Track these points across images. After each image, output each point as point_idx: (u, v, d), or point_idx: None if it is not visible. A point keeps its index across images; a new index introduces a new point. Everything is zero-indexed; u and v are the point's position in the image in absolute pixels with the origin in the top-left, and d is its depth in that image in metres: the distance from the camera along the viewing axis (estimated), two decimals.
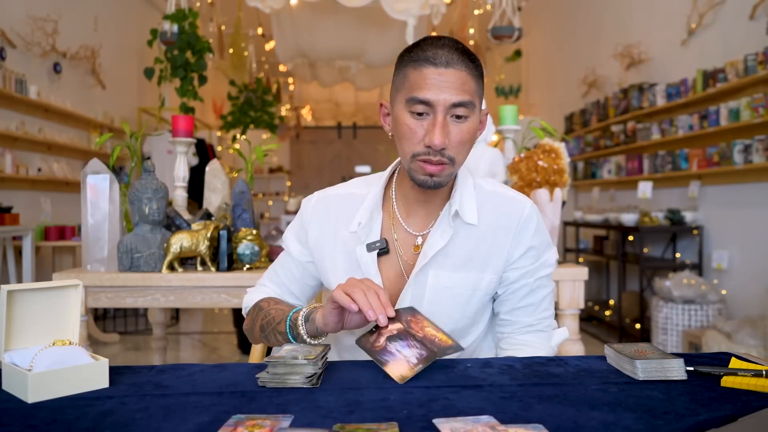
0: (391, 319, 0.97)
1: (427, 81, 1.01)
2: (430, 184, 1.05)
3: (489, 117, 2.28)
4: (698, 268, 4.09)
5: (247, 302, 1.27)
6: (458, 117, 1.02)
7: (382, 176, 1.18)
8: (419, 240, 1.14)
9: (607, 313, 4.90)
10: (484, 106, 1.10)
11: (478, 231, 1.12)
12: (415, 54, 1.04)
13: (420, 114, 1.02)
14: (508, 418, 0.72)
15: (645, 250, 4.42)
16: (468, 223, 1.11)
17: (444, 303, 1.11)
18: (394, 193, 1.17)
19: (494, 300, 1.19)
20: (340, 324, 1.00)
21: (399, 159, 1.16)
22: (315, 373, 0.87)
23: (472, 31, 6.16)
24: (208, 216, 2.20)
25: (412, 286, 1.11)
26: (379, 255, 1.13)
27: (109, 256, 1.94)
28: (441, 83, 1.00)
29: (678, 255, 4.39)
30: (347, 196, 1.18)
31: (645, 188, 4.30)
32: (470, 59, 1.04)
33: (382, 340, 0.95)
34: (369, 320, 0.94)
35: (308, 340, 1.05)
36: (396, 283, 1.14)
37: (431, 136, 1.00)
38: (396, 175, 1.18)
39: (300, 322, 1.05)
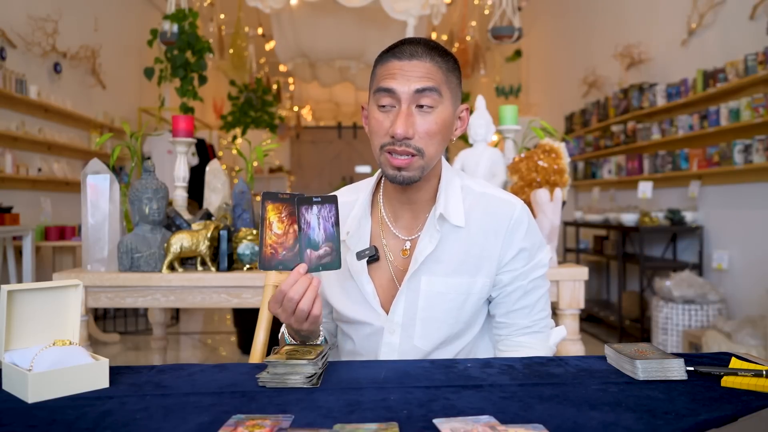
0: None
1: (390, 72, 1.03)
2: (399, 180, 1.04)
3: (489, 117, 2.29)
4: (698, 268, 4.09)
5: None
6: (421, 106, 1.03)
7: (370, 182, 1.18)
8: (407, 244, 1.13)
9: (607, 313, 4.90)
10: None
11: (468, 234, 1.10)
12: (382, 54, 1.07)
13: (385, 106, 1.03)
14: (508, 418, 0.72)
15: (645, 250, 4.42)
16: (455, 225, 1.10)
17: (438, 308, 1.10)
18: (381, 198, 1.16)
19: (489, 302, 1.18)
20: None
21: None
22: (315, 373, 0.86)
23: (473, 24, 6.16)
24: (208, 216, 2.20)
25: (405, 293, 1.10)
26: (369, 262, 1.12)
27: (109, 256, 1.94)
28: (404, 74, 1.02)
29: (678, 255, 4.39)
30: None
31: (645, 188, 4.30)
32: (440, 54, 1.05)
33: None
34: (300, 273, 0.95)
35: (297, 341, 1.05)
36: (388, 289, 1.13)
37: (394, 126, 1.01)
38: (383, 180, 1.18)
39: (286, 338, 1.07)
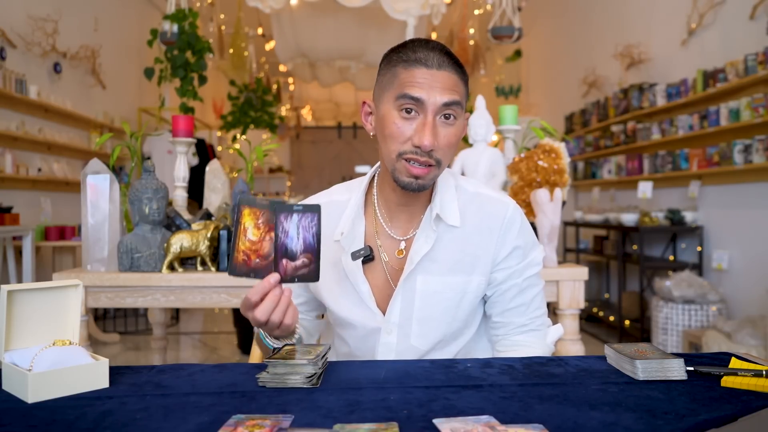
0: None
1: (418, 80, 1.01)
2: (414, 187, 1.04)
3: (489, 117, 2.29)
4: (698, 268, 4.09)
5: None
6: (447, 117, 1.02)
7: (363, 182, 1.17)
8: (402, 245, 1.13)
9: (607, 313, 4.90)
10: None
11: (463, 233, 1.11)
12: (405, 54, 1.03)
13: (409, 112, 1.01)
14: (508, 418, 0.72)
15: (645, 250, 4.42)
16: (450, 225, 1.10)
17: (435, 308, 1.11)
18: (375, 198, 1.16)
19: (485, 302, 1.19)
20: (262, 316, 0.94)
21: (378, 164, 1.15)
22: (315, 373, 0.86)
23: (472, 31, 6.17)
24: (208, 216, 2.20)
25: (401, 293, 1.10)
26: (364, 262, 1.12)
27: (109, 256, 1.94)
28: (433, 83, 1.00)
29: (678, 255, 4.39)
30: (328, 204, 1.16)
31: (645, 188, 4.30)
32: (458, 64, 1.05)
33: None
34: (271, 285, 0.91)
35: (275, 343, 1.04)
36: (384, 289, 1.13)
37: (421, 137, 0.99)
38: (376, 179, 1.17)
39: (262, 335, 1.06)
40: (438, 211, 1.09)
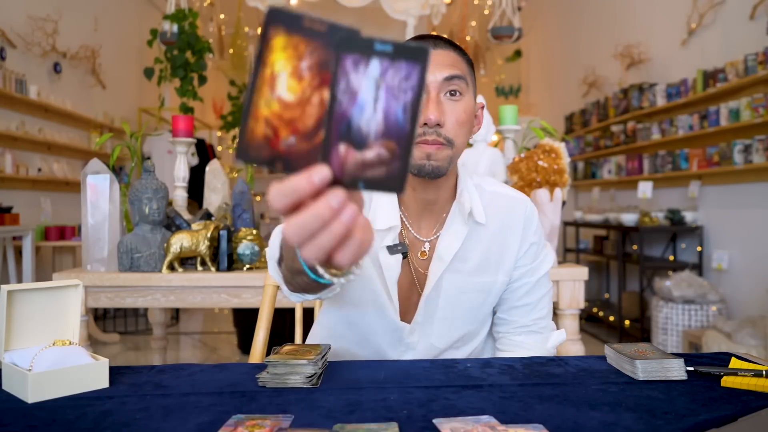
0: None
1: None
2: (428, 169, 0.99)
3: (489, 117, 2.29)
4: (698, 268, 4.09)
5: (272, 251, 0.96)
6: (452, 93, 1.00)
7: None
8: (426, 246, 1.11)
9: (607, 313, 4.90)
10: (483, 101, 1.13)
11: (488, 232, 1.10)
12: None
13: None
14: (508, 418, 0.72)
15: (645, 250, 4.42)
16: (478, 222, 1.08)
17: (458, 307, 1.09)
18: (397, 198, 1.13)
19: None
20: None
21: None
22: (315, 373, 0.86)
23: (473, 26, 6.17)
24: (208, 216, 2.20)
25: (427, 293, 1.08)
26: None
27: (109, 256, 1.94)
28: (431, 62, 1.00)
29: (678, 255, 4.39)
30: None
31: (645, 188, 4.30)
32: (460, 48, 1.05)
33: None
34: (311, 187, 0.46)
35: (330, 276, 0.58)
36: (409, 291, 1.10)
37: (426, 112, 0.97)
38: None
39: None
40: (468, 205, 1.07)
